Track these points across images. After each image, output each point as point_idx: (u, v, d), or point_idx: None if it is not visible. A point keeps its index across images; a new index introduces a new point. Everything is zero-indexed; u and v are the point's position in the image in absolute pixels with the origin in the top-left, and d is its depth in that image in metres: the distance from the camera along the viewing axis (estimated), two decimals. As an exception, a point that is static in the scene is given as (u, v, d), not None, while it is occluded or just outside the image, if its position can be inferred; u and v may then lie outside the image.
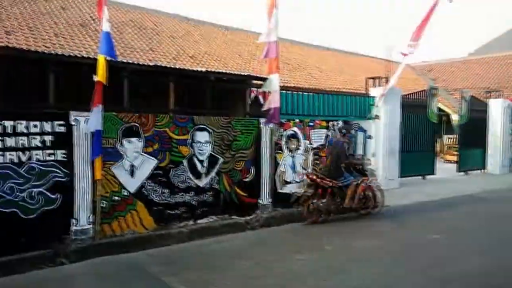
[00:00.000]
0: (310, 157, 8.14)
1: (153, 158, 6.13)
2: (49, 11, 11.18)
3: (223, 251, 5.32)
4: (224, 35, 16.39)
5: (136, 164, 5.96)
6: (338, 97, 9.33)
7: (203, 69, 9.01)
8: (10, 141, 4.96)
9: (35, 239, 5.06)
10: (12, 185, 4.94)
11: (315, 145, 8.23)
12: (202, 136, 6.67)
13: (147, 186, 6.07)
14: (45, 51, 7.12)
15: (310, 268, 4.63)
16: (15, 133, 5.00)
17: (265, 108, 7.19)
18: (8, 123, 4.96)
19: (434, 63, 26.93)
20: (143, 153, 6.03)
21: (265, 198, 7.35)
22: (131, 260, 4.90)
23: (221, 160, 6.86)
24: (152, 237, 5.90)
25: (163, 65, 8.58)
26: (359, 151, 9.18)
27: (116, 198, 5.77)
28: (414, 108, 11.21)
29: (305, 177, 7.06)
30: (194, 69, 9.19)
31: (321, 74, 16.45)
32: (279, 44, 7.14)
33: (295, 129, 7.92)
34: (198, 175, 6.61)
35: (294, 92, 8.66)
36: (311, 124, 8.19)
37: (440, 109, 14.87)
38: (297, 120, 8.02)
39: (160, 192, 6.19)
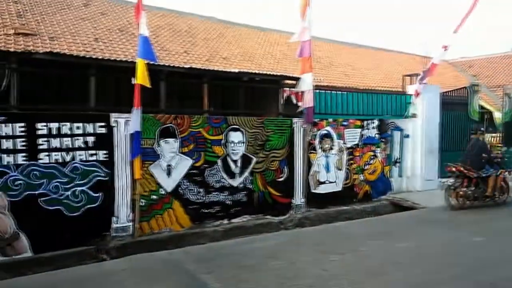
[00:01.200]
0: (345, 157, 8.02)
1: (188, 158, 6.27)
2: (89, 17, 11.67)
3: (257, 250, 5.34)
4: (257, 36, 16.44)
5: (172, 164, 6.12)
6: (373, 96, 9.13)
7: (236, 70, 9.07)
8: (55, 142, 5.24)
9: (78, 236, 5.31)
10: (57, 184, 5.21)
11: (349, 144, 8.11)
12: (235, 136, 6.74)
13: (183, 186, 6.22)
14: (86, 56, 7.43)
15: (345, 270, 4.57)
16: (59, 135, 5.27)
17: (301, 108, 7.18)
18: (53, 125, 5.24)
19: (474, 59, 25.70)
20: (179, 153, 6.18)
21: (298, 198, 7.32)
22: (168, 257, 5.03)
23: (254, 160, 6.91)
24: (187, 235, 6.04)
25: (197, 67, 8.72)
26: (396, 151, 8.94)
27: (154, 197, 5.95)
28: (454, 106, 10.76)
29: (453, 169, 7.75)
30: (228, 70, 9.29)
31: (354, 72, 16.14)
32: (311, 43, 7.09)
33: (329, 128, 7.83)
34: (232, 175, 6.69)
35: (327, 91, 8.57)
36: (345, 123, 8.07)
37: (481, 107, 14.19)
38: (331, 120, 7.93)
39: (195, 191, 6.33)
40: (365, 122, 8.39)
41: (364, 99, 8.88)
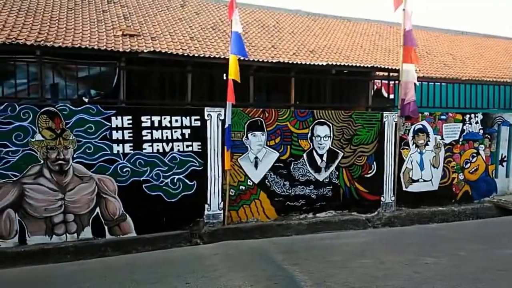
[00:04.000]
0: (442, 154, 7.43)
1: (275, 151, 6.39)
2: (185, 17, 12.49)
3: (343, 246, 5.25)
4: (346, 26, 15.97)
5: (259, 157, 6.30)
6: (476, 87, 8.30)
7: (324, 63, 8.96)
8: (157, 134, 5.75)
9: (175, 220, 5.78)
10: (158, 172, 5.72)
11: (447, 140, 7.49)
12: (322, 130, 6.68)
13: (269, 178, 6.36)
14: (184, 53, 8.00)
15: (440, 274, 4.26)
16: (160, 127, 5.76)
17: (406, 101, 6.85)
18: (155, 118, 5.75)
19: None
20: (266, 146, 6.34)
21: (388, 196, 7.00)
22: (256, 245, 5.21)
23: (341, 154, 6.78)
24: (273, 226, 6.18)
25: (285, 61, 8.82)
26: (503, 148, 8.01)
27: (242, 187, 6.20)
28: None
29: None
30: (315, 63, 9.22)
31: (454, 62, 14.79)
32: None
33: (424, 122, 7.32)
34: (317, 169, 6.66)
35: (424, 82, 8.01)
36: (443, 117, 7.47)
37: None
38: (427, 113, 7.41)
39: (281, 184, 6.43)
40: (467, 116, 7.66)
41: (466, 91, 8.11)
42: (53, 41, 8.25)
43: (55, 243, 5.20)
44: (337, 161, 6.76)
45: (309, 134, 6.61)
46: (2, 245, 5.02)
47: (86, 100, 6.54)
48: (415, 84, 7.00)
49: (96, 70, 7.00)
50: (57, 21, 9.76)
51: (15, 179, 5.07)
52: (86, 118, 5.40)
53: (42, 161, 5.19)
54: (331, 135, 6.73)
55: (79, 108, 5.41)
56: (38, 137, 5.19)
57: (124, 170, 5.56)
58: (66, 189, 5.28)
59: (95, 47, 7.82)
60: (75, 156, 5.33)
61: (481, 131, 7.78)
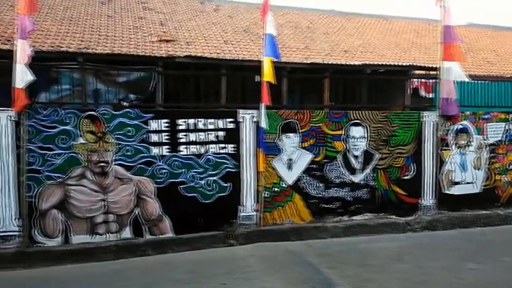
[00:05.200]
0: (485, 155, 7.09)
1: (309, 152, 6.34)
2: (219, 21, 12.67)
3: (381, 250, 5.14)
4: (381, 25, 15.61)
5: (293, 158, 6.27)
6: (522, 84, 7.87)
7: (359, 63, 8.81)
8: (192, 136, 5.86)
9: (210, 221, 5.85)
10: (194, 173, 5.83)
11: (491, 140, 7.14)
12: (357, 131, 6.55)
13: (303, 180, 6.31)
14: (218, 57, 8.12)
15: (485, 280, 4.07)
16: (196, 129, 5.87)
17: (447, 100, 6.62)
18: (191, 121, 5.87)
19: None
20: (299, 148, 6.30)
21: (427, 199, 6.76)
22: (291, 248, 5.19)
23: (377, 156, 6.62)
24: (308, 228, 6.12)
25: (319, 61, 8.74)
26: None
27: (276, 189, 6.19)
28: None
29: None
30: (350, 62, 9.07)
31: (498, 58, 14.07)
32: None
33: (466, 122, 7.01)
34: (352, 171, 6.53)
35: (465, 81, 7.68)
36: (486, 116, 7.13)
37: None
38: (469, 113, 7.09)
39: (315, 185, 6.37)
40: (511, 115, 7.27)
41: (510, 89, 7.70)
42: (94, 48, 8.61)
43: (97, 242, 5.40)
44: (373, 163, 6.61)
45: (344, 135, 6.51)
46: (48, 243, 5.29)
47: (126, 104, 6.78)
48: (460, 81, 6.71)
49: (135, 75, 7.25)
50: (97, 28, 10.18)
51: (59, 180, 5.33)
52: (125, 122, 5.59)
53: (84, 164, 5.42)
54: (367, 136, 6.59)
55: (119, 112, 5.61)
56: (81, 140, 5.42)
57: (162, 172, 5.70)
58: (107, 190, 5.48)
59: (134, 53, 8.09)
60: (115, 158, 5.52)
61: (527, 131, 7.35)
